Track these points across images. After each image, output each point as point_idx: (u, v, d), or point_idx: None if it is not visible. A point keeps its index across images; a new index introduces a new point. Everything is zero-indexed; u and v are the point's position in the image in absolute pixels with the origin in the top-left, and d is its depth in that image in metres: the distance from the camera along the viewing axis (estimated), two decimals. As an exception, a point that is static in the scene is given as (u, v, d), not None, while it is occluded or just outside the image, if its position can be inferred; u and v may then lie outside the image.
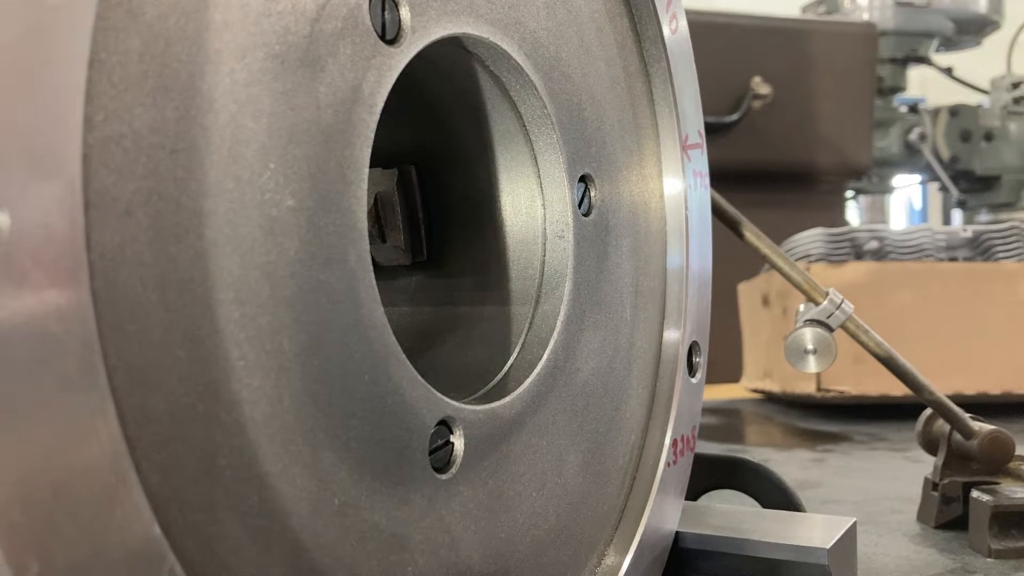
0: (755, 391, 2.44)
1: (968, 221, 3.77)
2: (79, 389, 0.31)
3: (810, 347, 0.86)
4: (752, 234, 0.89)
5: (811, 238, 2.08)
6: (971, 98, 3.72)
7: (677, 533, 0.70)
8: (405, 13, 0.46)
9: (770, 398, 2.37)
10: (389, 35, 0.45)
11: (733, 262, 1.35)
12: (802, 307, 0.90)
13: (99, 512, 0.31)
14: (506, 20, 0.53)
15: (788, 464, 1.43)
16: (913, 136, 3.43)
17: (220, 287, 0.37)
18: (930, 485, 1.01)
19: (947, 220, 4.64)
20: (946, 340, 1.96)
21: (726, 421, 2.07)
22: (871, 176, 3.39)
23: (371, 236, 0.58)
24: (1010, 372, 1.99)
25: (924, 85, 4.35)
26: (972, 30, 3.44)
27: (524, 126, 0.58)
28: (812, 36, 2.94)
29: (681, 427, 0.68)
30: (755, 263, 2.08)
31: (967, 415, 0.98)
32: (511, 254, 0.60)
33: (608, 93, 0.62)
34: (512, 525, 0.53)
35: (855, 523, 0.74)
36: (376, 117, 0.44)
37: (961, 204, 3.80)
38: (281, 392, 0.39)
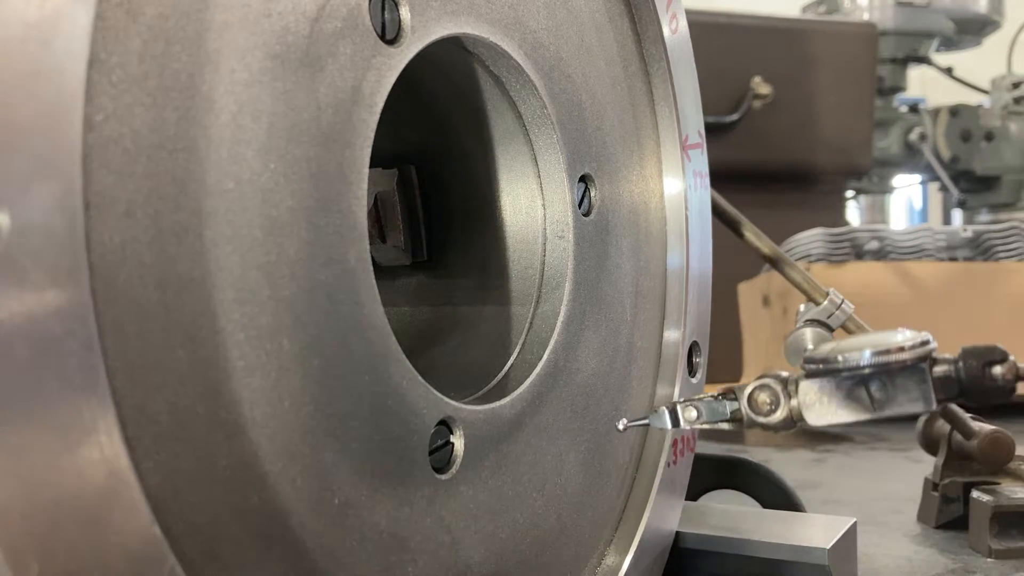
0: (755, 391, 2.43)
1: (968, 221, 3.77)
2: (79, 389, 0.31)
3: (810, 347, 0.86)
4: (752, 234, 0.89)
5: (811, 238, 2.08)
6: (971, 98, 3.71)
7: (677, 533, 0.70)
8: (405, 13, 0.46)
9: (770, 398, 2.37)
10: (389, 35, 0.45)
11: (733, 262, 1.35)
12: (802, 307, 0.89)
13: (99, 513, 0.31)
14: (506, 20, 0.53)
15: (788, 464, 1.43)
16: (913, 136, 3.43)
17: (220, 287, 0.37)
18: (930, 485, 1.01)
19: (947, 220, 4.64)
20: (946, 340, 1.96)
21: (726, 421, 2.07)
22: (871, 176, 3.39)
23: (371, 236, 0.58)
24: (1010, 372, 1.99)
25: (924, 85, 4.34)
26: (972, 30, 3.44)
27: (524, 126, 0.58)
28: (812, 36, 2.94)
29: (681, 427, 0.68)
30: (755, 263, 2.08)
31: (967, 415, 0.98)
32: (511, 254, 0.60)
33: (608, 93, 0.62)
34: (512, 525, 0.53)
35: (855, 523, 0.74)
36: (376, 117, 0.44)
37: (961, 204, 3.79)
38: (281, 392, 0.39)
